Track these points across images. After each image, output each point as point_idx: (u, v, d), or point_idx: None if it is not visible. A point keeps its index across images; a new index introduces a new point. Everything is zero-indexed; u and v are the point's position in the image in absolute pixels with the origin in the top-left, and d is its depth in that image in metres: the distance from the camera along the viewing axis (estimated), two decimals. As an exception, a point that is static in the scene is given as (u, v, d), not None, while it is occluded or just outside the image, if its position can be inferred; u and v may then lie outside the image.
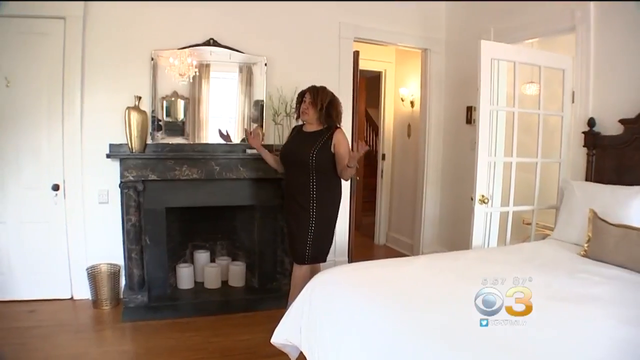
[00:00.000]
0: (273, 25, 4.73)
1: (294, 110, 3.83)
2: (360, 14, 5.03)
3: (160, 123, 4.43)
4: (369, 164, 7.88)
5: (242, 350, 3.48)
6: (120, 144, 4.20)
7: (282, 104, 4.56)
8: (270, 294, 4.46)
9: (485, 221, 3.75)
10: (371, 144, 9.08)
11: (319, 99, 3.54)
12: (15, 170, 4.21)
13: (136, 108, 4.03)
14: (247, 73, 4.61)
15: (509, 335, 1.82)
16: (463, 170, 5.06)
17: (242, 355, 3.43)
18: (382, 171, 6.87)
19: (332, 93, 3.66)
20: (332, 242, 3.77)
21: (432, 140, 5.53)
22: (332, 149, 3.53)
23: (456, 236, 5.20)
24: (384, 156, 6.82)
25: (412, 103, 6.17)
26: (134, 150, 4.08)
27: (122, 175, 4.10)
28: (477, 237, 3.64)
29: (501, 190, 4.30)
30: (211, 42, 4.46)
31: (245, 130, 4.29)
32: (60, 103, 4.21)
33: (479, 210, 3.56)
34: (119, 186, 4.19)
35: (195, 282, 4.69)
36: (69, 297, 4.42)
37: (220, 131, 4.28)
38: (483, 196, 3.54)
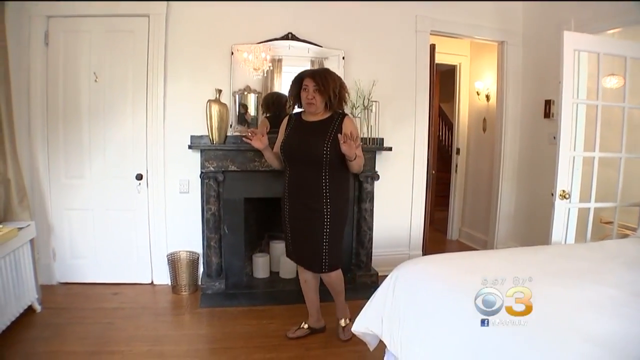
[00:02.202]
0: (350, 19, 4.80)
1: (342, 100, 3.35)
2: (437, 7, 5.04)
3: (244, 116, 4.63)
4: (442, 157, 7.87)
5: (318, 338, 3.60)
6: (201, 136, 4.43)
7: (360, 97, 4.59)
8: (345, 285, 4.56)
9: (564, 218, 3.72)
10: (444, 138, 9.10)
11: (329, 86, 3.19)
12: (102, 160, 4.54)
13: (217, 101, 4.20)
14: (319, 66, 4.59)
15: (593, 330, 1.77)
16: (540, 165, 5.05)
17: (318, 342, 3.54)
18: (456, 166, 6.89)
19: (337, 75, 3.36)
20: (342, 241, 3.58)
21: (509, 135, 5.50)
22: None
23: (532, 233, 5.19)
24: (458, 150, 6.85)
25: (487, 97, 6.17)
26: (214, 142, 4.27)
27: (202, 166, 4.33)
28: (556, 234, 3.59)
29: (580, 186, 4.24)
30: (290, 36, 4.60)
31: (252, 132, 3.51)
32: (144, 97, 4.49)
33: (559, 205, 3.55)
34: (200, 176, 4.43)
35: (271, 272, 4.87)
36: (150, 282, 4.72)
37: None
38: (564, 191, 3.52)
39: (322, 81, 3.18)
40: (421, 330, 2.25)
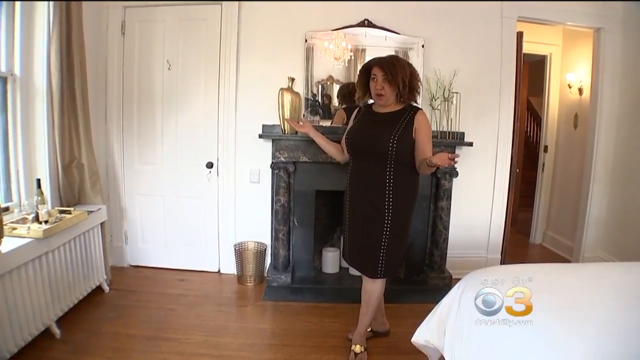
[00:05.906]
0: (429, 4, 4.59)
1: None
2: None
3: (317, 106, 4.61)
4: (529, 155, 7.57)
5: (380, 343, 3.45)
6: (273, 125, 4.45)
7: (440, 87, 4.44)
8: (416, 286, 4.51)
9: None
10: (532, 134, 8.78)
11: (399, 75, 2.95)
12: (174, 147, 4.67)
13: (289, 89, 4.16)
14: (403, 56, 4.43)
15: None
16: (638, 167, 4.72)
17: (379, 348, 3.38)
18: (543, 164, 6.56)
19: (407, 61, 3.14)
20: (405, 250, 3.35)
21: (603, 133, 5.13)
22: (413, 134, 3.00)
23: (625, 243, 4.86)
24: (546, 148, 6.51)
25: (580, 90, 5.82)
26: (286, 132, 4.24)
27: (273, 156, 4.34)
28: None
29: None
30: (366, 23, 4.51)
31: (287, 121, 4.02)
32: (216, 85, 4.57)
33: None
34: (270, 167, 4.43)
35: (340, 268, 4.82)
36: (216, 270, 4.84)
37: None
38: (663, 200, 3.25)
39: (390, 70, 2.96)
40: (486, 352, 2.09)
